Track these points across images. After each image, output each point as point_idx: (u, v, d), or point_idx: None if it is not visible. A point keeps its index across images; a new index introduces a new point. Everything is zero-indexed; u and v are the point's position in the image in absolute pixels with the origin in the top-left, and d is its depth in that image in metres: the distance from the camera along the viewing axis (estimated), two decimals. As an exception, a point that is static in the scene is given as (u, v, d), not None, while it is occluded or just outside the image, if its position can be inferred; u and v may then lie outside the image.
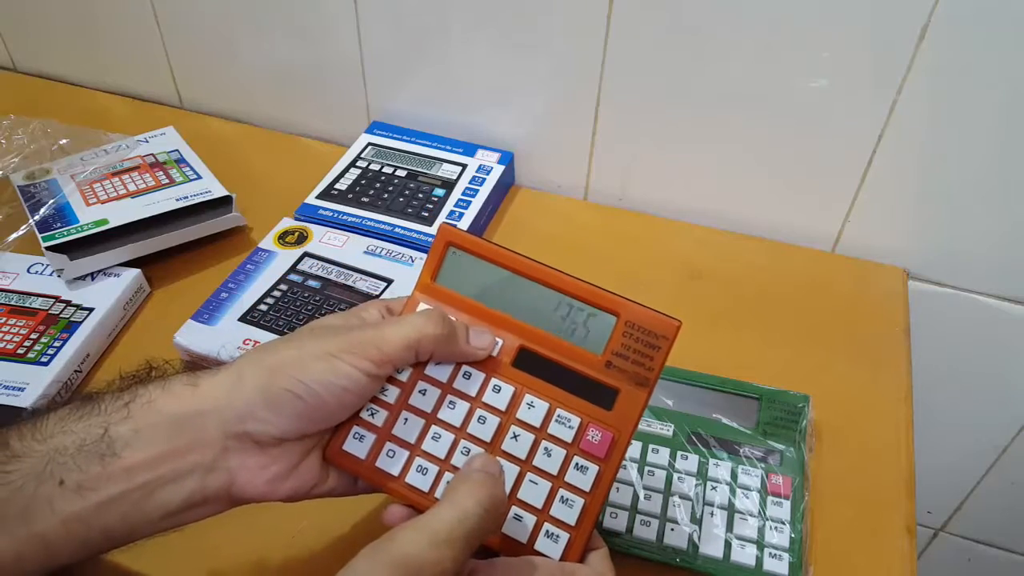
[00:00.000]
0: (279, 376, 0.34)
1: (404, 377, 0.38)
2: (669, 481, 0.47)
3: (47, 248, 0.59)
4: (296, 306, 0.57)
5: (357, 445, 0.37)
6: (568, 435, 0.36)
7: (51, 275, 0.60)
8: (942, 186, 0.61)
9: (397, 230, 0.63)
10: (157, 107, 0.84)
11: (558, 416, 0.36)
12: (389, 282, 0.59)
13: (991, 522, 0.82)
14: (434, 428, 0.37)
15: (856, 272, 0.65)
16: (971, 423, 0.74)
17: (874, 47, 0.56)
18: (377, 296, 0.58)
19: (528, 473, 0.36)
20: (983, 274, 0.64)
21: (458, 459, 0.36)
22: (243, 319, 0.56)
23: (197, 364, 0.54)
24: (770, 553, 0.43)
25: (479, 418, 0.36)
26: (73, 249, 0.59)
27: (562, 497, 0.35)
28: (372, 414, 0.37)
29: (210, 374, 0.35)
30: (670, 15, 0.59)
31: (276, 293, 0.58)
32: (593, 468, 0.36)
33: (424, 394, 0.37)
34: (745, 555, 0.43)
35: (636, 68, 0.63)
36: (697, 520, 0.45)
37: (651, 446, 0.48)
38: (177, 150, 0.72)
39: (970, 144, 0.58)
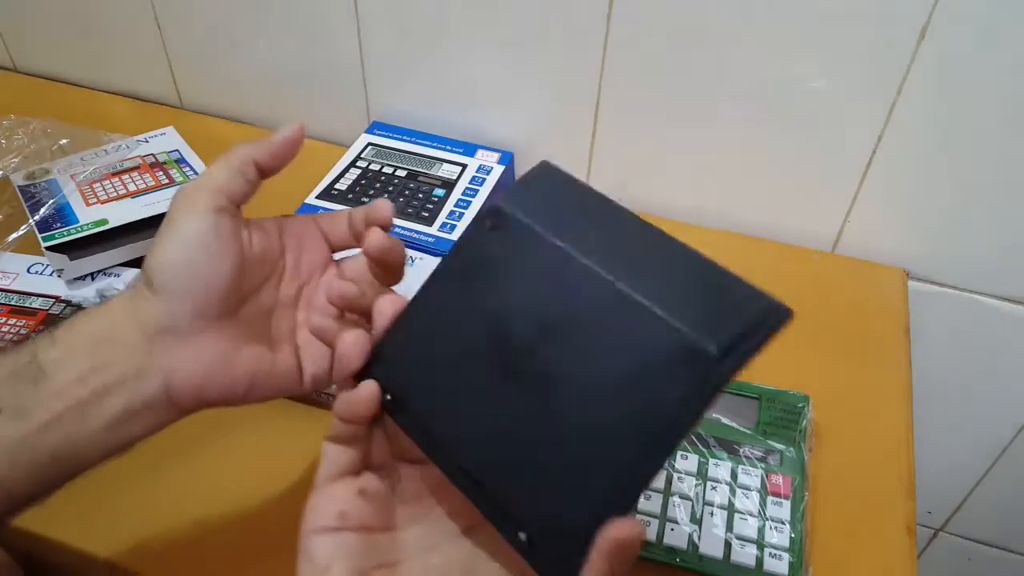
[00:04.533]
0: (154, 262, 0.35)
1: None
2: (669, 481, 0.47)
3: (47, 248, 0.59)
4: (296, 306, 0.57)
5: None
6: None
7: (51, 275, 0.60)
8: (942, 186, 0.61)
9: (397, 230, 0.63)
10: (157, 107, 0.84)
11: None
12: (389, 282, 0.59)
13: (991, 522, 0.82)
14: None
15: (856, 272, 0.65)
16: (971, 423, 0.74)
17: (874, 47, 0.56)
18: (377, 296, 0.57)
19: None
20: (983, 274, 0.64)
21: None
22: (243, 319, 0.56)
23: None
24: (770, 553, 0.43)
25: None
26: (73, 249, 0.59)
27: None
28: None
29: (122, 291, 0.37)
30: (670, 15, 0.59)
31: (276, 293, 0.58)
32: None
33: None
34: (745, 555, 0.43)
35: (636, 68, 0.63)
36: (697, 520, 0.45)
37: None
38: (177, 150, 0.72)
39: (970, 144, 0.58)
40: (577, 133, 0.69)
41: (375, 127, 0.75)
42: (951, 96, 0.56)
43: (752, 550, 0.44)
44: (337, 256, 0.42)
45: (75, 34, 0.83)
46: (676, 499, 0.46)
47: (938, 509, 0.83)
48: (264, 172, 0.39)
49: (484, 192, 0.67)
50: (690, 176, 0.68)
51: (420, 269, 0.60)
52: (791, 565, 0.43)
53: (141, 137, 0.74)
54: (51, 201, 0.64)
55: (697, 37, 0.59)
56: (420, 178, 0.68)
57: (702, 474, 0.47)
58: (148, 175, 0.68)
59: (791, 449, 0.48)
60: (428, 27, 0.68)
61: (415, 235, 0.63)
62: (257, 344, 0.38)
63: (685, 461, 0.48)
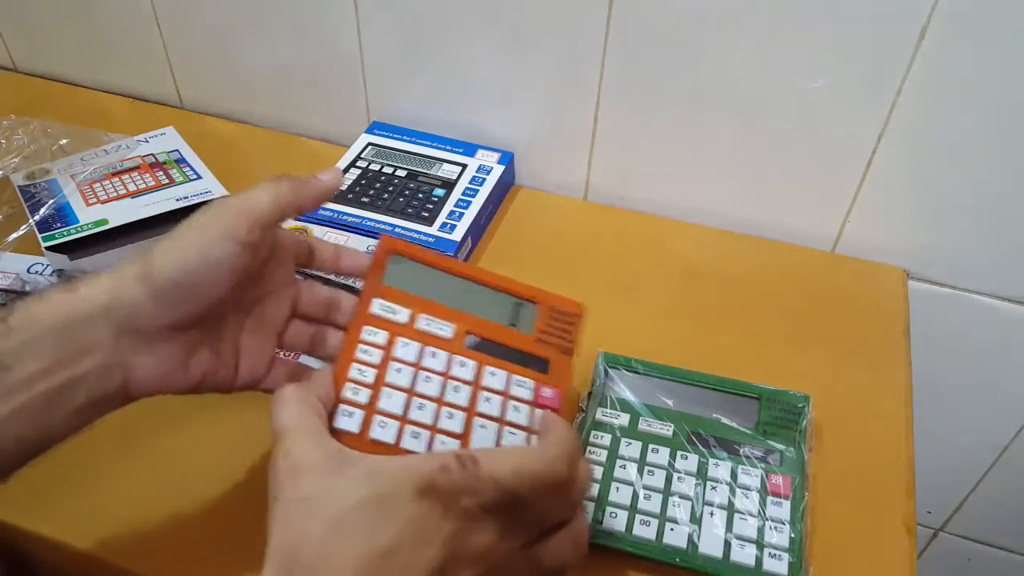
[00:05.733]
0: (157, 264, 0.35)
1: (376, 359, 0.40)
2: (669, 481, 0.47)
3: (47, 248, 0.59)
4: (296, 306, 0.57)
5: (347, 421, 0.38)
6: (527, 394, 0.42)
7: (51, 275, 0.60)
8: (942, 186, 0.61)
9: (397, 230, 0.63)
10: (157, 107, 0.84)
11: (516, 380, 0.42)
12: (389, 282, 0.58)
13: (991, 522, 0.82)
14: (416, 399, 0.40)
15: (856, 272, 0.65)
16: (971, 423, 0.74)
17: (874, 47, 0.56)
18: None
19: (505, 427, 0.41)
20: (983, 274, 0.64)
21: (444, 422, 0.40)
22: (243, 319, 0.56)
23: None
24: (770, 553, 0.43)
25: (453, 388, 0.41)
26: (73, 249, 0.59)
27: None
28: (355, 392, 0.39)
29: (87, 279, 0.36)
30: (670, 16, 0.59)
31: (276, 293, 0.58)
32: None
33: (399, 372, 0.41)
34: (744, 555, 0.43)
35: (636, 68, 0.63)
36: (697, 520, 0.45)
37: (651, 446, 0.48)
38: (177, 150, 0.72)
39: (970, 144, 0.58)
40: (577, 133, 0.69)
41: (375, 127, 0.75)
42: (951, 96, 0.56)
43: (752, 550, 0.44)
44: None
45: (75, 34, 0.83)
46: (676, 499, 0.46)
47: (938, 509, 0.83)
48: (299, 213, 0.40)
49: (484, 192, 0.67)
50: (690, 176, 0.68)
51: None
52: (791, 565, 0.43)
53: (141, 137, 0.74)
54: (51, 201, 0.64)
55: (697, 37, 0.60)
56: (420, 178, 0.68)
57: (702, 474, 0.47)
58: (148, 175, 0.68)
59: (791, 449, 0.48)
60: (428, 27, 0.68)
61: (415, 235, 0.63)
62: (209, 348, 0.39)
63: (685, 461, 0.48)
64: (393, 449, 0.38)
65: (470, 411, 0.41)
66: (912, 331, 0.59)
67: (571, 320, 0.46)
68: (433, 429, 0.40)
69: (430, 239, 0.62)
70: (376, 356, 0.41)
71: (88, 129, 0.75)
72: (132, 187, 0.66)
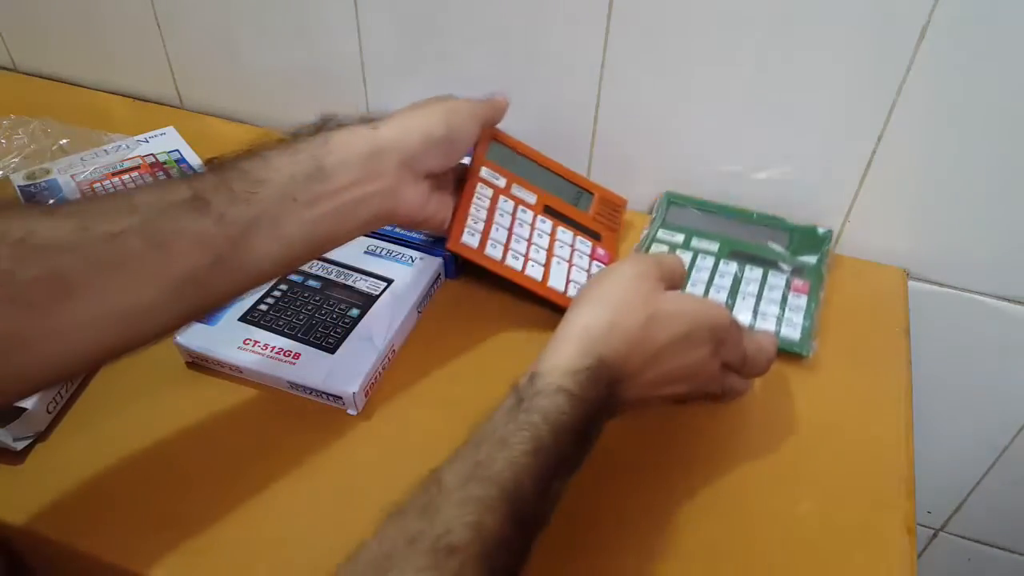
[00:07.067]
0: (437, 125, 0.48)
1: (487, 205, 0.57)
2: (710, 283, 0.60)
3: (47, 248, 0.59)
4: (296, 306, 0.57)
5: (471, 239, 0.55)
6: (587, 249, 0.61)
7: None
8: (942, 186, 0.61)
9: (397, 230, 0.63)
10: (157, 107, 0.84)
11: (579, 240, 0.61)
12: (389, 282, 0.59)
13: (991, 522, 0.82)
14: (514, 236, 0.58)
15: (856, 272, 0.65)
16: (971, 423, 0.74)
17: (874, 47, 0.56)
18: (377, 296, 0.58)
19: (572, 266, 0.59)
20: (983, 274, 0.64)
21: (532, 254, 0.58)
22: (243, 319, 0.56)
23: (199, 363, 0.54)
24: (786, 324, 0.56)
25: (538, 233, 0.59)
26: (73, 249, 0.59)
27: None
28: (474, 223, 0.55)
29: (383, 121, 0.48)
30: (670, 16, 0.59)
31: (276, 293, 0.58)
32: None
33: (502, 216, 0.58)
34: (766, 326, 0.56)
35: (636, 68, 0.63)
36: (730, 308, 0.55)
37: (699, 256, 0.62)
38: (177, 150, 0.72)
39: (970, 144, 0.58)
40: (577, 133, 0.69)
41: (375, 127, 0.75)
42: (951, 96, 0.56)
43: (772, 324, 0.57)
44: None
45: (75, 34, 0.83)
46: (713, 293, 0.59)
47: (938, 509, 0.83)
48: (493, 123, 0.57)
49: (484, 192, 0.67)
50: (690, 176, 0.68)
51: (419, 269, 0.60)
52: (802, 331, 0.55)
53: (141, 137, 0.74)
54: (51, 201, 0.64)
55: (697, 38, 0.60)
56: (420, 178, 0.69)
57: (737, 279, 0.60)
58: (148, 175, 0.68)
59: (814, 260, 0.61)
60: (428, 27, 0.68)
61: (415, 235, 0.63)
62: (439, 195, 0.52)
63: (726, 267, 0.61)
64: (498, 264, 0.56)
65: (549, 251, 0.59)
66: (912, 331, 0.59)
67: (617, 209, 0.66)
68: (526, 257, 0.57)
69: (430, 238, 0.62)
70: (486, 203, 0.57)
71: (88, 129, 0.75)
72: (132, 187, 0.66)
